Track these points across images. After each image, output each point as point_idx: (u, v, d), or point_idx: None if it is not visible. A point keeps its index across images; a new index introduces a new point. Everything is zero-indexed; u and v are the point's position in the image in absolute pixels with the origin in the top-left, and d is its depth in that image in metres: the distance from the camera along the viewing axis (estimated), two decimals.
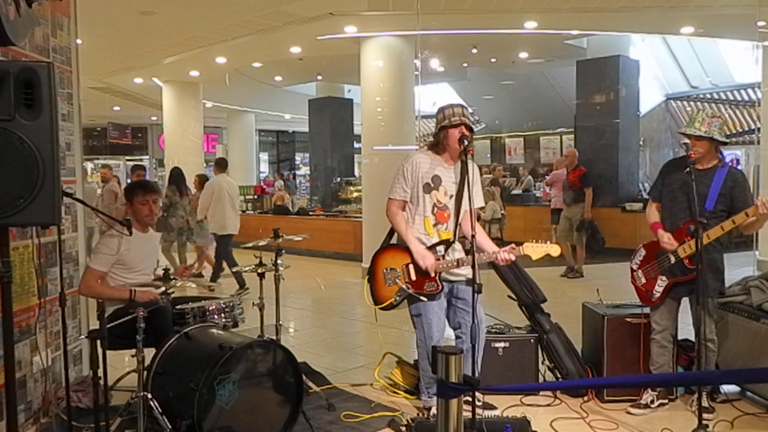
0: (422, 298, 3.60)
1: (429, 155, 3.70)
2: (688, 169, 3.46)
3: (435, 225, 3.66)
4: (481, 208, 3.92)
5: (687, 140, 3.59)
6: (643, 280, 3.87)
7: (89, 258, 3.78)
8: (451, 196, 3.66)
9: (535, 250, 3.48)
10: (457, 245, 3.67)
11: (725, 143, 3.67)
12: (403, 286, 3.62)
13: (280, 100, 17.62)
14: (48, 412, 3.61)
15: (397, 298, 3.65)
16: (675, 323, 3.87)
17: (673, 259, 3.69)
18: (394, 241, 3.80)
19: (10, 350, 2.41)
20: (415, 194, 3.67)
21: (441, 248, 3.60)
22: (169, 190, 8.43)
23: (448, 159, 3.68)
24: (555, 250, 3.50)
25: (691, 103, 15.45)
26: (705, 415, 3.39)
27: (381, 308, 3.71)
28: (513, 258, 3.50)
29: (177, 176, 8.57)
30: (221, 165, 8.51)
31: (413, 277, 3.62)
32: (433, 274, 3.57)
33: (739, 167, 15.17)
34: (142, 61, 11.19)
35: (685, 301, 3.84)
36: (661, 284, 3.77)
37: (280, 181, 20.24)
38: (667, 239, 3.69)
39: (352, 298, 8.28)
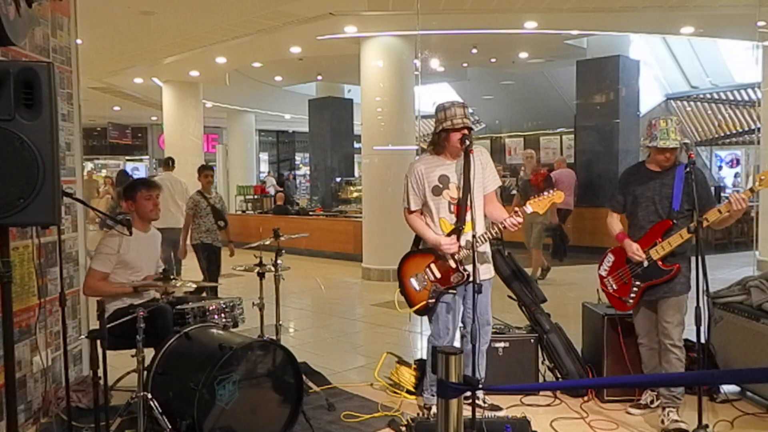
0: (451, 291, 3.62)
1: (429, 159, 3.70)
2: (688, 169, 3.46)
3: (455, 223, 3.63)
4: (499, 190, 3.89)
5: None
6: (615, 286, 3.77)
7: (93, 258, 3.78)
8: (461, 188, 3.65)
9: (539, 204, 3.48)
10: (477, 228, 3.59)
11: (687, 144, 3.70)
12: (434, 287, 3.63)
13: (280, 100, 17.61)
14: (48, 412, 3.61)
15: (431, 300, 3.65)
16: (657, 324, 3.73)
17: (646, 263, 3.62)
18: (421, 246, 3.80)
19: (10, 350, 2.41)
20: (426, 201, 3.68)
21: (453, 238, 3.58)
22: (115, 192, 8.62)
23: (449, 156, 3.67)
24: (559, 196, 3.51)
25: (691, 103, 15.46)
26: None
27: (416, 311, 3.72)
28: (520, 220, 3.47)
29: (122, 178, 8.84)
30: (167, 164, 8.92)
31: (438, 274, 3.62)
32: (453, 263, 3.56)
33: (739, 167, 15.21)
34: (142, 61, 11.19)
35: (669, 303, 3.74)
36: (635, 289, 3.68)
37: (271, 178, 20.16)
38: (636, 250, 3.61)
39: (352, 298, 8.28)
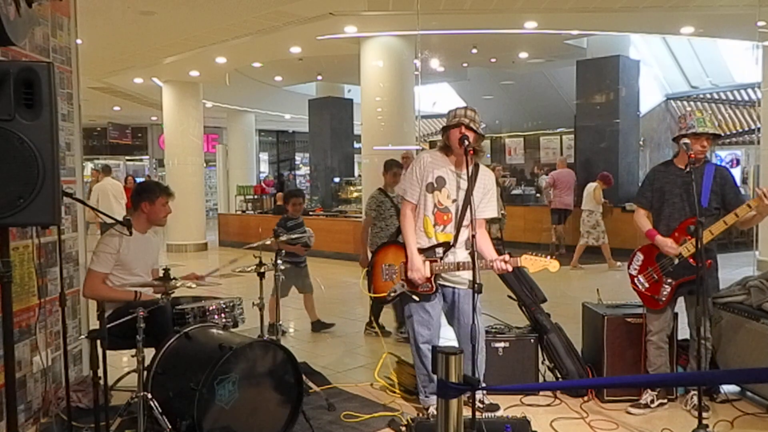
0: (414, 297, 3.63)
1: (437, 155, 3.72)
2: (688, 169, 3.47)
3: (434, 225, 3.66)
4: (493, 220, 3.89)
5: (688, 140, 3.60)
6: (647, 285, 3.80)
7: (91, 260, 3.77)
8: (454, 201, 3.64)
9: (532, 262, 3.44)
10: (459, 249, 3.64)
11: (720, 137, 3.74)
12: (398, 284, 3.66)
13: (280, 100, 17.61)
14: (48, 412, 3.61)
15: (392, 294, 3.69)
16: (671, 324, 3.85)
17: (676, 260, 3.67)
18: (400, 239, 3.81)
19: (10, 350, 2.41)
20: (422, 193, 3.69)
21: (440, 250, 3.60)
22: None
23: (456, 162, 3.67)
24: (554, 266, 3.42)
25: (691, 103, 15.45)
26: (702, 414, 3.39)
27: (374, 299, 3.78)
28: (509, 268, 3.47)
29: None
30: (105, 170, 10.44)
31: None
32: (418, 285, 3.58)
33: (739, 167, 15.20)
34: (142, 61, 11.19)
35: (680, 301, 3.84)
36: (666, 287, 3.72)
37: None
38: (670, 245, 3.66)
39: (353, 298, 8.27)
